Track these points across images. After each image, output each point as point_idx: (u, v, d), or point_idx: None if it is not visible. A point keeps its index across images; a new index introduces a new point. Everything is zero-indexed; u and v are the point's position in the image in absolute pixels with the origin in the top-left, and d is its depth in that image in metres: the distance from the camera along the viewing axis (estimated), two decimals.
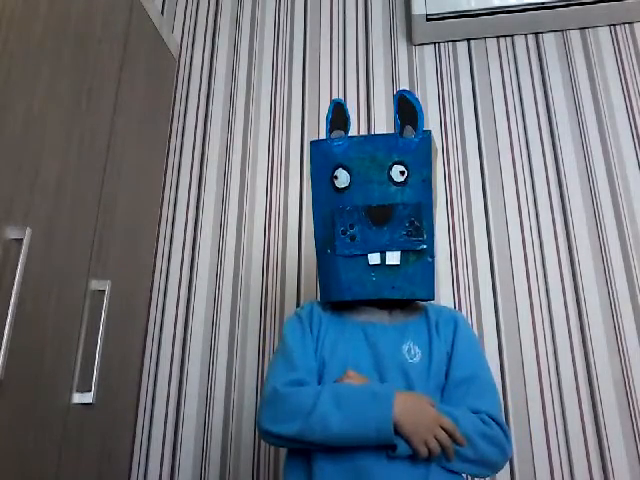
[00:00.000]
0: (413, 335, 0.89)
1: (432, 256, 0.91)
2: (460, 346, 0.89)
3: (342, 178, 0.92)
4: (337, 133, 0.97)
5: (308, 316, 0.94)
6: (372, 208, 0.89)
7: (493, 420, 0.82)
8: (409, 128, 0.93)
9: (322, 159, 0.96)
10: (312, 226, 0.98)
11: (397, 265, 0.88)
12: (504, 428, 0.83)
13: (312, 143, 0.98)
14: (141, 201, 1.46)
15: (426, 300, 0.93)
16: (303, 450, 0.82)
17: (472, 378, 0.86)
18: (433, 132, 1.53)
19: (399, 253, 0.88)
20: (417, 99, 0.94)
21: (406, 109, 0.93)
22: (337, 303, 0.94)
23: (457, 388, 0.85)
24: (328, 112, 0.98)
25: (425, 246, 0.89)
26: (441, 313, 0.94)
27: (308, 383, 0.84)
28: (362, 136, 0.96)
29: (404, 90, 0.95)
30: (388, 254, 0.88)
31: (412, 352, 0.86)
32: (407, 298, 0.89)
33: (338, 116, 0.98)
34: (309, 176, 1.43)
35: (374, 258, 0.88)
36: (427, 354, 0.87)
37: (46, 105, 1.05)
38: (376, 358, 0.86)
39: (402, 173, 0.90)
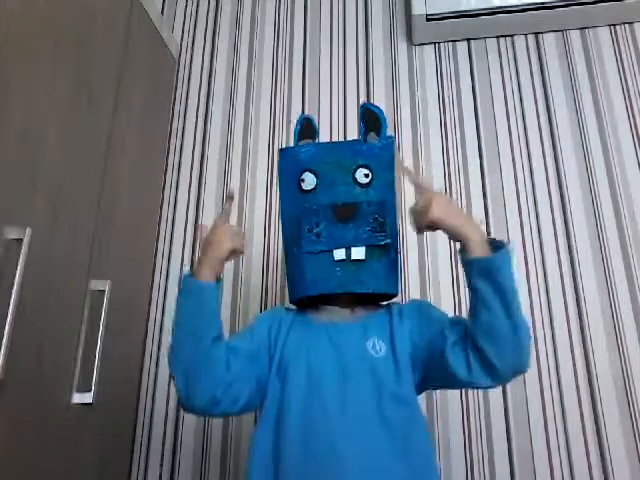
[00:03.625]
0: (376, 329, 0.88)
1: (397, 252, 0.94)
2: (424, 314, 0.90)
3: (309, 180, 0.93)
4: (305, 142, 0.99)
5: (270, 316, 0.95)
6: (338, 207, 0.90)
7: None
8: (372, 134, 0.96)
9: (290, 164, 0.98)
10: None
11: (362, 260, 0.88)
12: None
13: (280, 151, 1.01)
14: (141, 201, 1.46)
15: (390, 295, 0.94)
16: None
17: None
18: (433, 132, 1.55)
19: (364, 248, 0.89)
20: (380, 109, 0.98)
21: (370, 117, 0.97)
22: (301, 305, 0.96)
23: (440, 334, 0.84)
24: (297, 125, 1.00)
25: (389, 241, 0.90)
26: (404, 305, 0.94)
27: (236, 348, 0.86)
28: (328, 143, 0.99)
29: (367, 103, 1.00)
30: (353, 249, 0.89)
31: (377, 347, 0.86)
32: (372, 292, 0.90)
33: (307, 130, 1.00)
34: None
35: (339, 254, 0.88)
36: (389, 346, 0.86)
37: (46, 105, 1.05)
38: (341, 359, 0.85)
39: (367, 176, 0.92)
